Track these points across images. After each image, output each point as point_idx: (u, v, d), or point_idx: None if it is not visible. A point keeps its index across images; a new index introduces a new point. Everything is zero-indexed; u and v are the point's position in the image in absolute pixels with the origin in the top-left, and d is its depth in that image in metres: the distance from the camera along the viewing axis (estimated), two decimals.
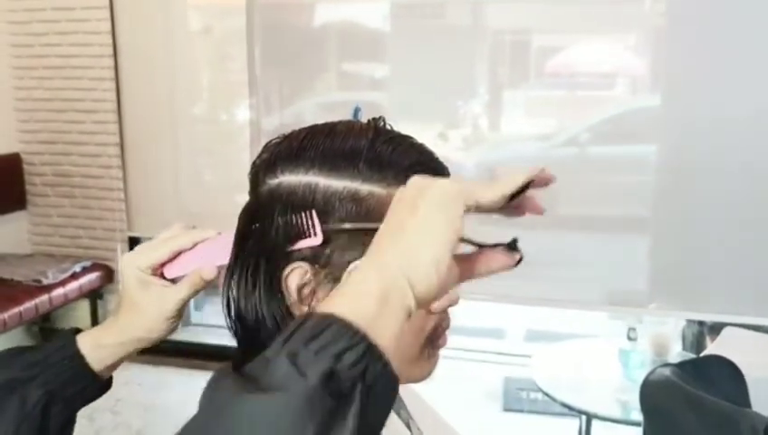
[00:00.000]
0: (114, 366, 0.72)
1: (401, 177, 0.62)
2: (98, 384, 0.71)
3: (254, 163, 0.67)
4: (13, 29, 3.31)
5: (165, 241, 0.71)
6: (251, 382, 0.40)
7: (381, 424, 0.44)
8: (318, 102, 3.12)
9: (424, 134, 0.68)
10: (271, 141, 0.67)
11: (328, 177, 0.61)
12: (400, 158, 0.62)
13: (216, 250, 0.69)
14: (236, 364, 0.44)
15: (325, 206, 0.61)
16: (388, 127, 0.66)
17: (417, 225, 0.48)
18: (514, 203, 0.54)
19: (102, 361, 0.70)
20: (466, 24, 2.95)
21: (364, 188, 0.61)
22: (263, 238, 0.63)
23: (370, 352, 0.42)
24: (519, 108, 3.03)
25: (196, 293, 0.71)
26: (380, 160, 0.62)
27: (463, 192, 0.50)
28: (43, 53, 3.29)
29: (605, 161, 2.95)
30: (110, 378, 0.74)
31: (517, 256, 0.56)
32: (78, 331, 0.72)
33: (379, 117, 0.66)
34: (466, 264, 0.56)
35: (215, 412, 0.40)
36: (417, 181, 0.52)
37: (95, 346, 0.70)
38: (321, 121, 0.67)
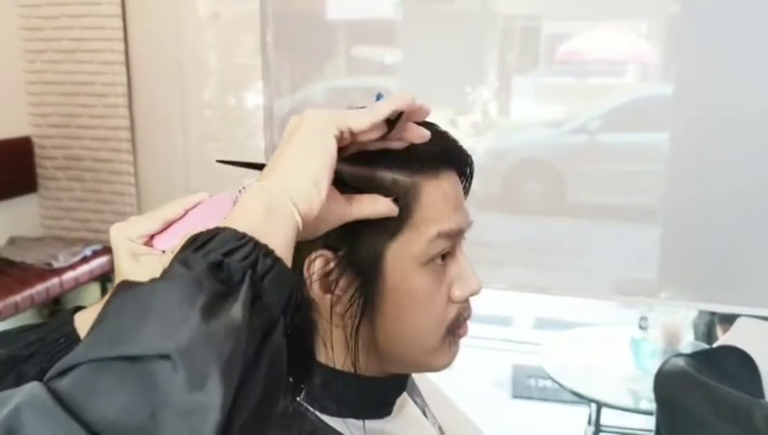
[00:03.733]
0: None
1: (426, 165, 0.62)
2: None
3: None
4: (23, 12, 3.30)
5: (155, 211, 0.69)
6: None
7: (281, 312, 0.46)
8: (328, 87, 3.11)
9: (434, 120, 0.67)
10: None
11: (352, 164, 0.61)
12: (425, 146, 0.62)
13: (210, 213, 0.66)
14: None
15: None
16: None
17: (292, 150, 0.51)
18: (395, 134, 0.56)
19: None
20: (476, 9, 2.92)
21: (388, 176, 0.60)
22: None
23: (258, 248, 0.45)
24: (529, 94, 3.01)
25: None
26: (405, 148, 0.61)
27: (335, 119, 0.53)
28: (54, 36, 3.28)
29: (616, 149, 2.93)
30: None
31: (396, 209, 0.59)
32: (79, 308, 0.70)
33: None
34: (353, 202, 0.57)
35: (114, 307, 0.42)
36: (295, 117, 0.55)
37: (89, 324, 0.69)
38: (331, 106, 0.67)
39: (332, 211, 0.54)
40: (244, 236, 0.45)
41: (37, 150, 3.45)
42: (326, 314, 0.63)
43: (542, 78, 2.99)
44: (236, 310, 0.41)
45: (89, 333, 0.42)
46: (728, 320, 2.11)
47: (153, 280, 0.43)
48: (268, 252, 0.45)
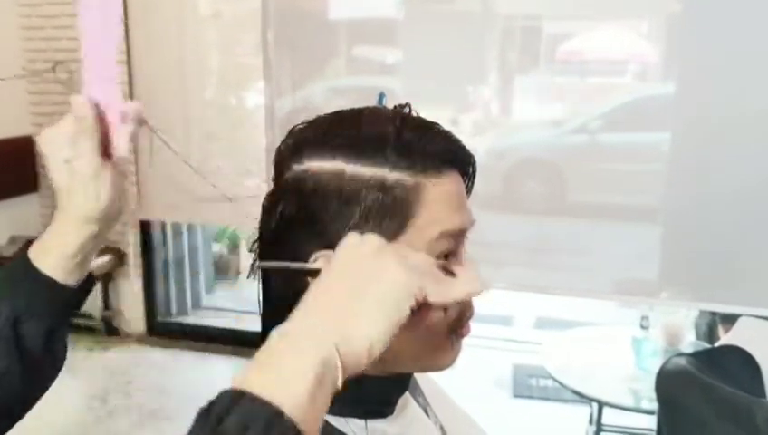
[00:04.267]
0: (74, 268, 0.69)
1: (429, 165, 0.62)
2: (68, 292, 0.69)
3: (278, 149, 0.66)
4: (24, 11, 3.30)
5: (78, 125, 0.65)
6: None
7: None
8: (329, 87, 3.11)
9: (435, 119, 0.67)
10: (296, 127, 0.67)
11: (355, 164, 0.60)
12: (428, 145, 0.62)
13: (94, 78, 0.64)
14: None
15: (352, 193, 0.60)
16: (414, 114, 0.65)
17: (365, 305, 0.48)
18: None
19: (59, 266, 0.68)
20: (477, 9, 2.92)
21: (391, 176, 0.60)
22: (288, 225, 0.63)
23: None
24: (530, 94, 3.01)
25: (90, 131, 0.65)
26: (408, 148, 0.61)
27: (416, 287, 0.50)
28: (55, 35, 3.28)
29: (616, 149, 2.93)
30: (87, 282, 0.71)
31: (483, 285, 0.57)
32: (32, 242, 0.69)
33: (405, 103, 0.65)
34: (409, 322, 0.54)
35: None
36: (372, 254, 0.51)
37: (42, 251, 0.68)
38: (333, 106, 0.67)
39: None
40: (287, 424, 0.42)
41: (38, 150, 3.45)
42: None
43: (543, 77, 2.99)
44: None
45: None
46: (730, 319, 2.11)
47: None
48: None
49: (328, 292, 0.50)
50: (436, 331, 0.66)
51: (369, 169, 0.60)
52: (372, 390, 0.67)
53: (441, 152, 0.62)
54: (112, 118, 0.65)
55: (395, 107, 0.64)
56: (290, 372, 0.44)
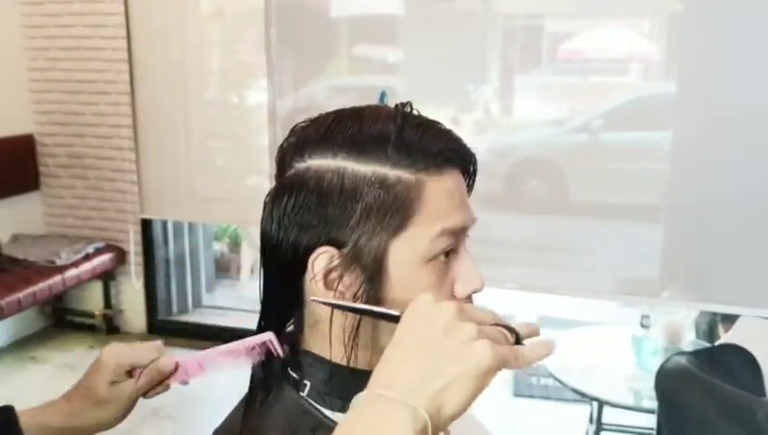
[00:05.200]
0: None
1: (430, 163, 0.62)
2: None
3: (281, 147, 0.66)
4: (26, 10, 3.31)
5: (150, 348, 0.75)
6: None
7: None
8: (330, 85, 3.11)
9: (436, 118, 0.67)
10: (297, 125, 0.67)
11: (356, 162, 0.61)
12: (429, 143, 0.62)
13: (195, 365, 0.74)
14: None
15: (353, 191, 0.60)
16: (415, 112, 0.65)
17: (454, 379, 0.50)
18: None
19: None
20: (479, 8, 2.92)
21: (392, 173, 0.61)
22: (290, 223, 0.63)
23: None
24: (531, 93, 3.01)
25: (151, 386, 0.74)
26: (409, 146, 0.61)
27: (503, 363, 0.52)
28: (57, 34, 3.29)
29: (618, 148, 2.92)
30: None
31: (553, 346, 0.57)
32: (11, 407, 0.74)
33: (407, 102, 0.66)
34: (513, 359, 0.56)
35: None
36: (454, 324, 0.52)
37: (39, 426, 0.73)
38: (334, 105, 0.67)
39: None
40: None
41: (40, 148, 3.46)
42: (328, 310, 0.63)
43: (545, 76, 2.99)
44: None
45: None
46: (730, 318, 2.11)
47: None
48: None
49: (415, 358, 0.52)
50: None
51: (371, 166, 0.61)
52: None
53: (442, 150, 0.62)
54: (177, 375, 0.76)
55: (396, 105, 0.65)
56: None
